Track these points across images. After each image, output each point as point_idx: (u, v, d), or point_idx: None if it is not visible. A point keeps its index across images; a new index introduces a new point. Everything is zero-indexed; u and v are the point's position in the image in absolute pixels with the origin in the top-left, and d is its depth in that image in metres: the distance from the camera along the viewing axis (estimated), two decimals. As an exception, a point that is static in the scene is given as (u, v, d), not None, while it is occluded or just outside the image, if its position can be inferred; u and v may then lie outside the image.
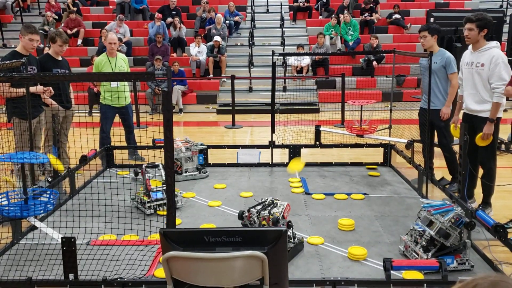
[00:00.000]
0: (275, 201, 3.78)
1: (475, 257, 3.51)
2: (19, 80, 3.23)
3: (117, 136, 5.62)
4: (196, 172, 5.58)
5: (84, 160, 5.20)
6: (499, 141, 6.61)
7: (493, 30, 4.38)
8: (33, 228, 3.97)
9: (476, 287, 1.04)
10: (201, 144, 5.72)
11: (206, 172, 5.64)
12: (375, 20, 13.43)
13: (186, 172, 5.52)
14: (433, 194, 4.85)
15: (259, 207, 3.71)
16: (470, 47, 4.44)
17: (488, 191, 4.47)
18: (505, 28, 7.90)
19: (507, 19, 8.43)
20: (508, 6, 14.22)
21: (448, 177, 5.25)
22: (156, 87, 10.67)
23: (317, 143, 6.21)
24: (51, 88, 5.12)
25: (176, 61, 11.29)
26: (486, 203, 4.49)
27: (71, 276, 3.01)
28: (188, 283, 2.10)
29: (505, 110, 4.56)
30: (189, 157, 5.54)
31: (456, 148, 4.88)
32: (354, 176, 5.62)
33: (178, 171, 5.48)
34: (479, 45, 4.32)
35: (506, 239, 3.24)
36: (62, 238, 2.98)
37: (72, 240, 2.96)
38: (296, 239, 3.66)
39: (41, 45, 11.80)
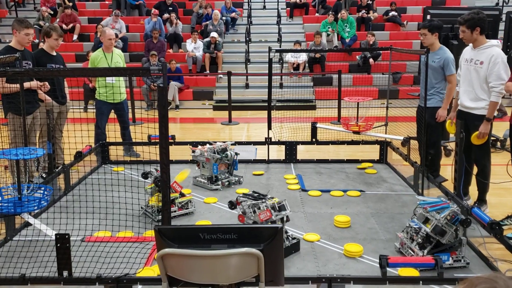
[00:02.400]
0: (270, 200, 3.49)
1: (471, 254, 3.51)
2: (13, 75, 3.19)
3: (113, 132, 5.58)
4: (206, 182, 5.05)
5: (79, 156, 5.16)
6: (494, 138, 6.64)
7: (488, 27, 4.36)
8: (27, 224, 3.94)
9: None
10: (224, 151, 5.09)
11: (217, 186, 5.01)
12: (371, 17, 13.42)
13: (196, 178, 5.14)
14: (429, 191, 4.85)
15: (249, 197, 3.55)
16: (470, 44, 4.43)
17: (483, 188, 4.47)
18: (501, 26, 7.89)
19: (503, 17, 8.43)
20: (504, 4, 14.24)
21: (445, 175, 5.26)
22: (152, 83, 10.62)
23: (314, 140, 6.21)
24: (47, 83, 5.08)
25: (173, 58, 11.23)
26: (481, 200, 4.50)
27: (65, 273, 2.98)
28: (183, 280, 2.08)
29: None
30: (204, 164, 5.04)
31: (452, 145, 4.88)
32: (350, 173, 5.62)
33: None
34: (478, 43, 4.31)
35: (501, 236, 3.24)
36: (56, 235, 2.95)
37: (66, 237, 2.94)
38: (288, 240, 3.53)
39: (36, 40, 11.71)
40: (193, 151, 5.15)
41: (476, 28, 4.24)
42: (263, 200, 3.48)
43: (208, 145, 5.15)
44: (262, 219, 3.32)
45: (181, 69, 11.41)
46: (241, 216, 3.41)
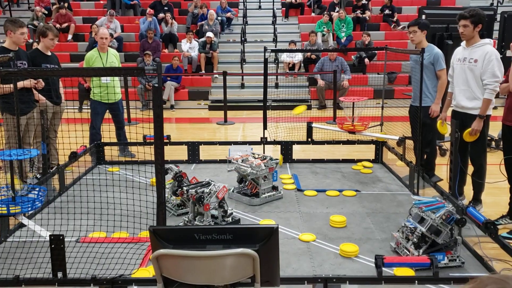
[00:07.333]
0: (211, 182, 3.98)
1: (466, 253, 3.52)
2: (6, 75, 3.17)
3: (107, 132, 5.56)
4: (274, 192, 4.67)
5: (74, 156, 5.14)
6: (489, 138, 6.66)
7: (485, 27, 4.39)
8: (21, 225, 3.91)
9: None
10: (275, 159, 4.80)
11: (281, 192, 4.77)
12: (367, 17, 13.45)
13: (264, 193, 4.58)
14: (424, 191, 4.86)
15: (192, 186, 3.93)
16: (463, 43, 4.44)
17: (478, 188, 4.49)
18: (496, 26, 7.92)
19: (498, 17, 8.47)
20: (499, 4, 14.31)
21: (440, 174, 5.27)
22: (147, 83, 10.59)
23: (309, 139, 6.21)
24: (41, 80, 5.05)
25: (176, 56, 11.19)
26: (476, 200, 4.51)
27: (59, 274, 2.97)
28: (179, 281, 2.07)
29: (494, 108, 4.58)
30: (266, 175, 4.60)
31: (447, 145, 4.89)
32: (346, 172, 5.62)
33: (253, 192, 4.59)
34: (473, 41, 4.32)
35: (496, 235, 3.25)
36: (50, 235, 2.93)
37: (61, 237, 2.92)
38: (231, 217, 3.96)
39: (30, 40, 11.64)
40: (250, 166, 4.51)
41: (479, 25, 4.25)
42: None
43: (252, 158, 4.72)
44: (220, 196, 3.89)
45: (182, 69, 11.38)
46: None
